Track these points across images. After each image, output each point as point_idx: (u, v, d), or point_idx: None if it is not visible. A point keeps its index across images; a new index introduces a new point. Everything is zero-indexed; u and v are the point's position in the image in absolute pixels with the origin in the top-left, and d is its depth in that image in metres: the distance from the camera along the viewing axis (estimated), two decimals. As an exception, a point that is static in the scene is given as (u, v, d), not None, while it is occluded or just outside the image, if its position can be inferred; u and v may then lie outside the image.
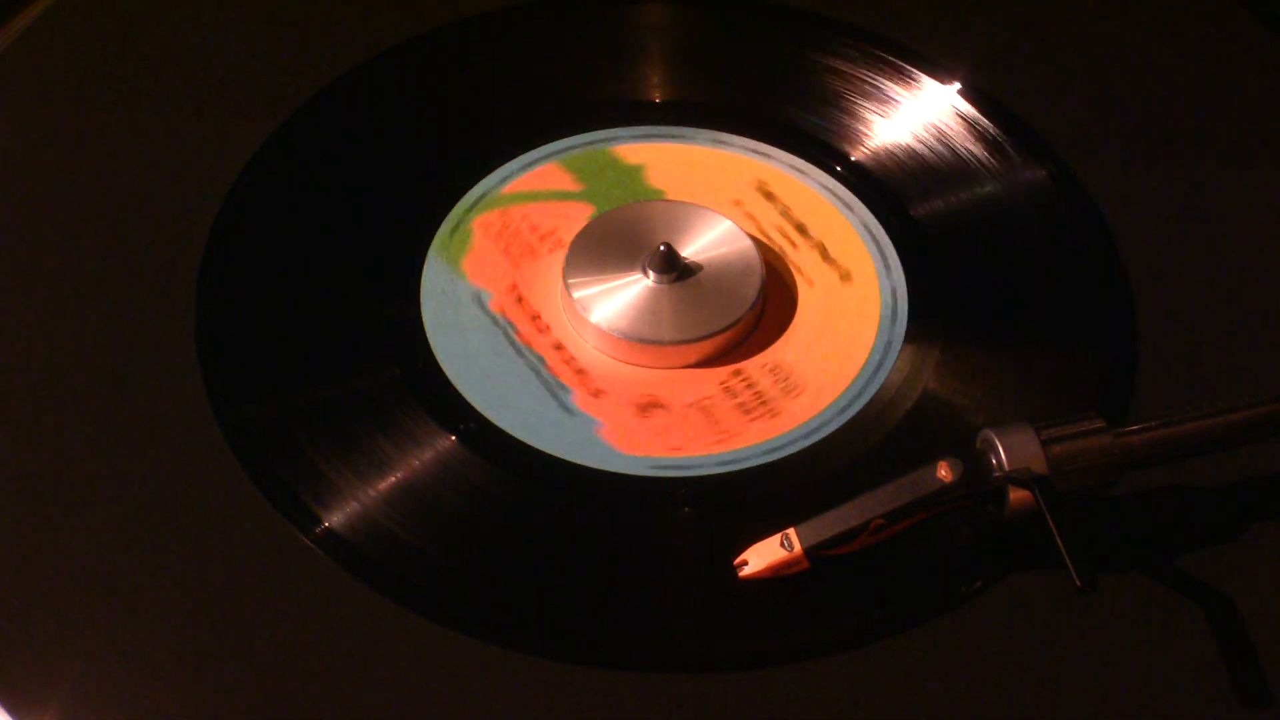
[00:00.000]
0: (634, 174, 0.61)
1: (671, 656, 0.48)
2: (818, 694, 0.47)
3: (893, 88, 0.64)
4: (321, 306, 0.57)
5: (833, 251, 0.59)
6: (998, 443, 0.48)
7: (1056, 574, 0.46)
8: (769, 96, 0.64)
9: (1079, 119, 0.64)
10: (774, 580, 0.49)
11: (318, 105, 0.63)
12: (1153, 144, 0.63)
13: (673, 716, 0.47)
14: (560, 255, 0.57)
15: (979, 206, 0.61)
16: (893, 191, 0.61)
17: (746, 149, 0.62)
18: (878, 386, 0.55)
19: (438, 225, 0.59)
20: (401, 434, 0.53)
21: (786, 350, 0.56)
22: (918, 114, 0.64)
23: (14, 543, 0.49)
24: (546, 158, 0.60)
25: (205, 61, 0.64)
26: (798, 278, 0.58)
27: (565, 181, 0.60)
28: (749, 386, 0.55)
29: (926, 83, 0.65)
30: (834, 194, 0.61)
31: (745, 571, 0.49)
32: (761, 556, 0.49)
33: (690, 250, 0.57)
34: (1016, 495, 0.48)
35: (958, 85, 0.64)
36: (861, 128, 0.63)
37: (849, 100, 0.64)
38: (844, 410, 0.54)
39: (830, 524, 0.48)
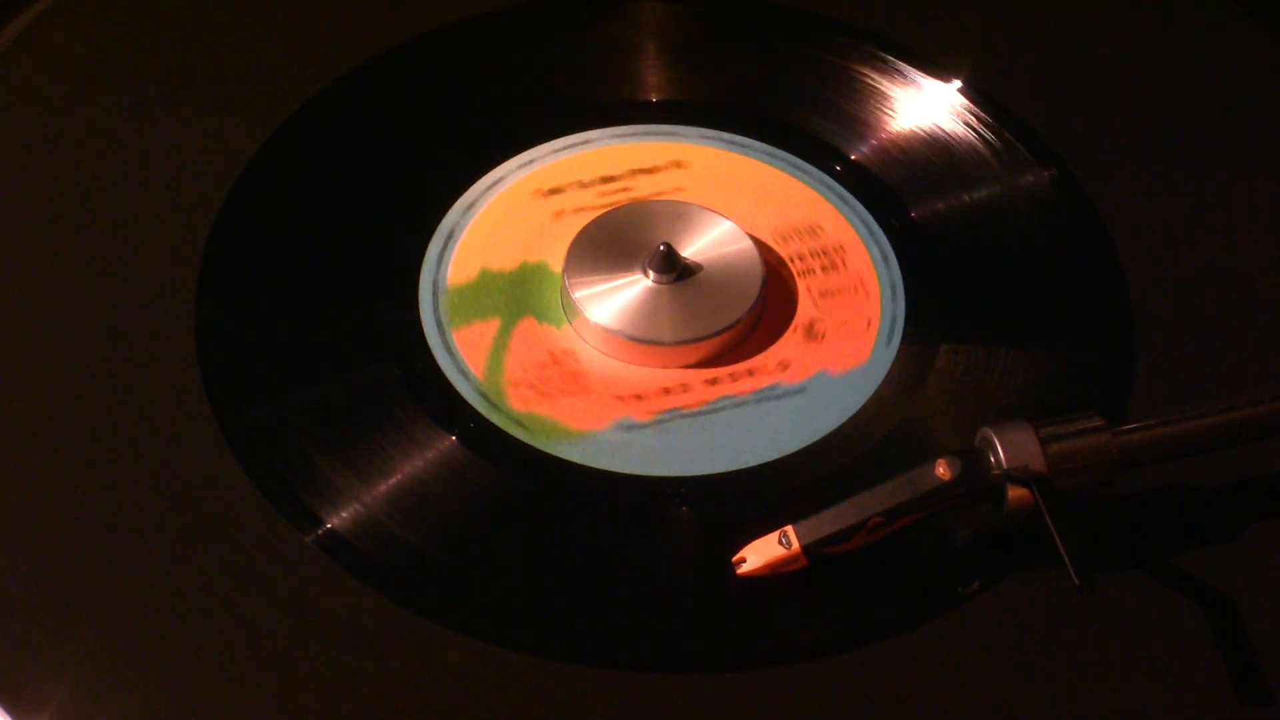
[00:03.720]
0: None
1: (671, 656, 0.48)
2: (817, 694, 0.47)
3: (893, 88, 0.64)
4: (321, 307, 0.57)
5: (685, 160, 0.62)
6: (996, 441, 0.48)
7: (1055, 573, 0.46)
8: (771, 96, 0.64)
9: (1079, 119, 0.64)
10: (772, 579, 0.49)
11: (317, 105, 0.63)
12: (1152, 144, 0.63)
13: (673, 716, 0.47)
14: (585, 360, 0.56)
15: (979, 207, 0.61)
16: (892, 192, 0.61)
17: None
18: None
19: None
20: (401, 434, 0.53)
21: (760, 220, 0.60)
22: (918, 114, 0.64)
23: (14, 543, 0.49)
24: (462, 327, 0.56)
25: (205, 61, 0.64)
26: (685, 189, 0.60)
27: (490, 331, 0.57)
28: (803, 256, 0.59)
29: (926, 83, 0.65)
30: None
31: (743, 569, 0.49)
32: (759, 554, 0.49)
33: (690, 250, 0.57)
34: (1015, 494, 0.48)
35: (958, 85, 0.64)
36: (861, 128, 0.63)
37: (849, 100, 0.64)
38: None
39: (828, 521, 0.48)
